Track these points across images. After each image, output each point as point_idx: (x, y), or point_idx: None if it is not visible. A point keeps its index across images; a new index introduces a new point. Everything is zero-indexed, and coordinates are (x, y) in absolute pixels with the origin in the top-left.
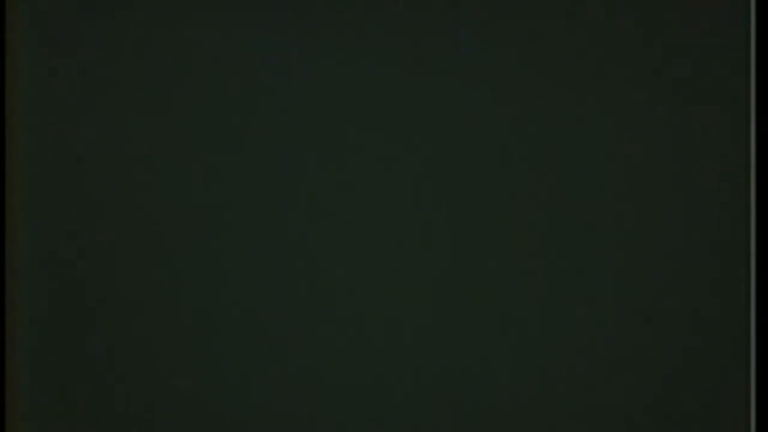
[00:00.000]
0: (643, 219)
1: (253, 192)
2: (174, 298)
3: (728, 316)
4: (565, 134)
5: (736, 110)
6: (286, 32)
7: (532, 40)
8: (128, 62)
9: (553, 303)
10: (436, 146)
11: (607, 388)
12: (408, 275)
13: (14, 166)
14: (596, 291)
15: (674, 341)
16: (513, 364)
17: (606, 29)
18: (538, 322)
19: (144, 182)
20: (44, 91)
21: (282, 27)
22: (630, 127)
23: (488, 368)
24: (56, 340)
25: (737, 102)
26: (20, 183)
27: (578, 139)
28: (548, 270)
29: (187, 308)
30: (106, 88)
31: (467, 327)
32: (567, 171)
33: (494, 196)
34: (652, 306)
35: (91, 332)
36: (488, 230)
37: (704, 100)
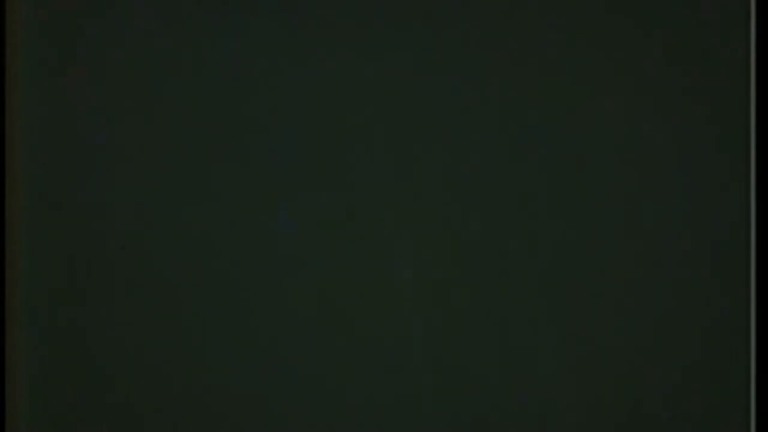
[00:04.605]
0: (644, 220)
1: (254, 192)
2: (175, 298)
3: (728, 317)
4: (565, 136)
5: (736, 110)
6: (288, 33)
7: (531, 41)
8: (129, 62)
9: (552, 304)
10: (437, 147)
11: (607, 390)
12: (409, 276)
13: (14, 166)
14: (595, 292)
15: (673, 342)
16: (512, 365)
17: (606, 29)
18: (539, 323)
19: (145, 182)
20: (44, 90)
21: (285, 27)
22: (630, 128)
23: (489, 368)
24: (56, 341)
25: (737, 102)
26: (20, 183)
27: (578, 141)
28: (548, 270)
29: (187, 309)
30: (106, 88)
31: (468, 330)
32: (567, 172)
33: (495, 198)
34: (652, 307)
35: (91, 333)
36: (489, 233)
37: (704, 101)
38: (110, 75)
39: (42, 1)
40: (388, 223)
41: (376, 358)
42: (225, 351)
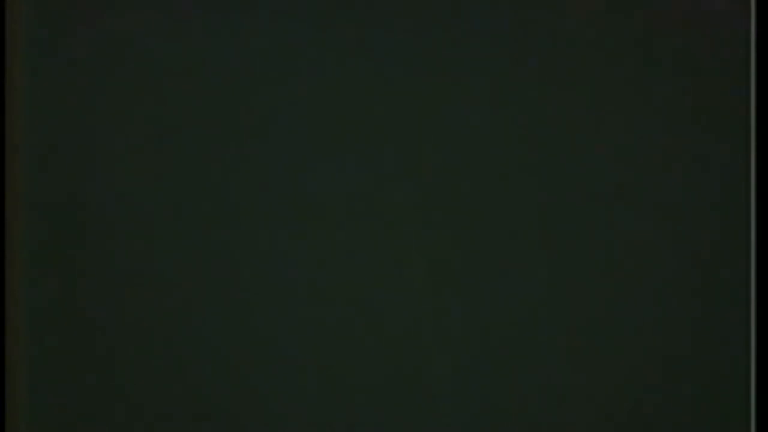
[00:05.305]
0: (643, 220)
1: (254, 192)
2: (176, 298)
3: (728, 317)
4: (566, 135)
5: (736, 111)
6: (288, 33)
7: (531, 42)
8: (129, 62)
9: (551, 304)
10: (437, 147)
11: (606, 389)
12: (410, 276)
13: (14, 166)
14: (595, 292)
15: (673, 342)
16: (510, 365)
17: (606, 29)
18: (538, 324)
19: (145, 182)
20: (44, 90)
21: (285, 27)
22: (630, 128)
23: (488, 369)
24: (56, 341)
25: (737, 102)
26: (20, 183)
27: (579, 141)
28: (547, 272)
29: (189, 309)
30: (106, 87)
31: (468, 330)
32: (567, 172)
33: (494, 199)
34: (652, 307)
35: (92, 332)
36: (489, 233)
37: (704, 101)
38: (110, 75)
39: (42, 1)
40: (389, 223)
41: (377, 357)
42: (227, 352)
